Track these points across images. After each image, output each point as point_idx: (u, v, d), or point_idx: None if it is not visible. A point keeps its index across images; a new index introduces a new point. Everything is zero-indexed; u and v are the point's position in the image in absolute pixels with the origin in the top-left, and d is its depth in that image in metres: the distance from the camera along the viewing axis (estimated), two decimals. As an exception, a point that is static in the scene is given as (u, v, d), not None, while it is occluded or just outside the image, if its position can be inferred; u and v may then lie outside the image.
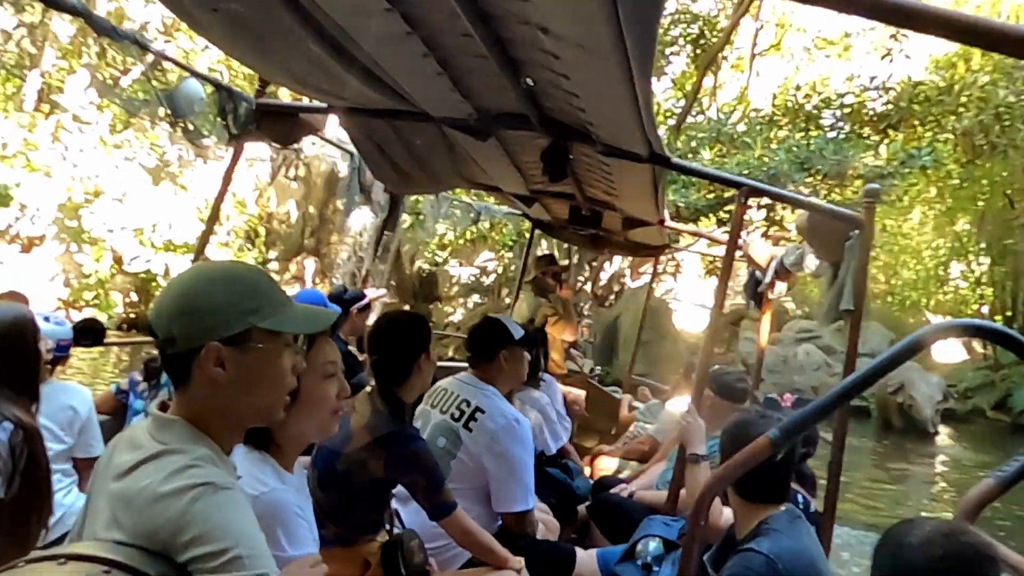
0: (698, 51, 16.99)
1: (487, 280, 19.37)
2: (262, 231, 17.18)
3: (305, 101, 3.45)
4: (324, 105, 3.15)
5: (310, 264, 17.25)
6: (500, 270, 18.87)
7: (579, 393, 5.32)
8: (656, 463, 4.24)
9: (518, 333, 2.98)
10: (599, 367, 12.50)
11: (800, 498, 2.78)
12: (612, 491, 3.92)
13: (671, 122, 16.22)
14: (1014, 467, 1.48)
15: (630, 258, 15.48)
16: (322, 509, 1.94)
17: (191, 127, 2.92)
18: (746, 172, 10.52)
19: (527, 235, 6.37)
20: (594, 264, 17.67)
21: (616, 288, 18.98)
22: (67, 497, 2.62)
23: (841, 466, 2.61)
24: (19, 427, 1.81)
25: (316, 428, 1.72)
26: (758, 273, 4.28)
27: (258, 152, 14.84)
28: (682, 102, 17.43)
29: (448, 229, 16.99)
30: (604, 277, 18.84)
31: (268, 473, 1.64)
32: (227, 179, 3.26)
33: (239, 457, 1.62)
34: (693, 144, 13.26)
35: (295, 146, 3.57)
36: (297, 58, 2.37)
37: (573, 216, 4.78)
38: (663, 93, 18.40)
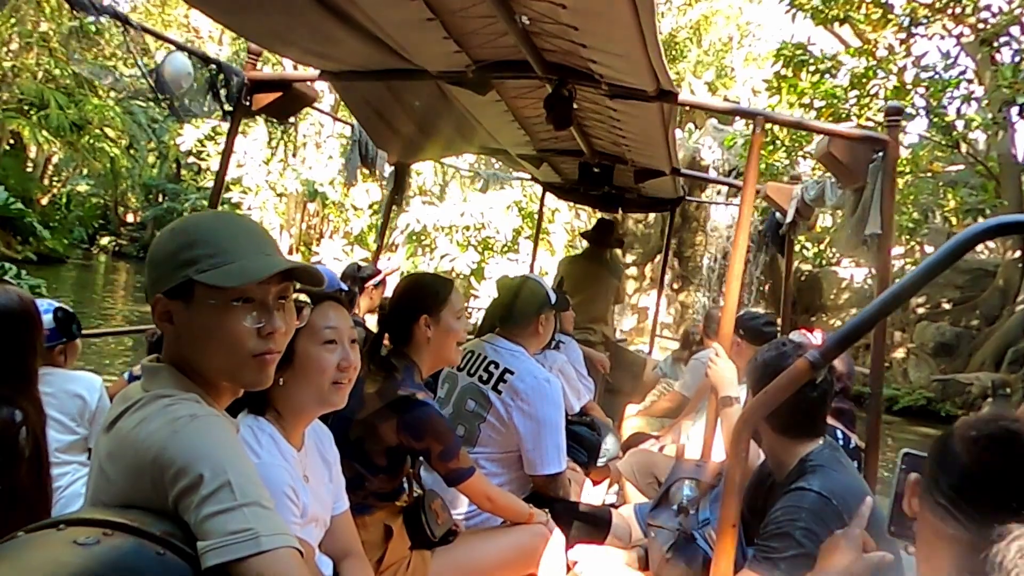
0: None
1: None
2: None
3: (296, 72, 3.35)
4: (316, 72, 3.06)
5: (666, 265, 15.65)
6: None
7: (601, 355, 5.24)
8: (685, 417, 4.17)
9: (553, 297, 2.91)
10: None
11: (839, 433, 2.69)
12: (643, 446, 3.86)
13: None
14: None
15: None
16: None
17: (180, 104, 2.83)
18: None
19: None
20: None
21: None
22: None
23: (881, 397, 2.51)
24: None
25: (315, 398, 1.63)
26: (778, 215, 4.15)
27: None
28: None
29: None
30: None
31: (265, 443, 1.56)
32: (227, 155, 3.19)
33: (241, 428, 1.56)
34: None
35: (291, 120, 3.47)
36: (280, 14, 2.28)
37: (583, 174, 4.65)
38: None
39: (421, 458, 2.28)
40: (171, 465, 1.02)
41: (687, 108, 2.98)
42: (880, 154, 2.63)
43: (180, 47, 2.81)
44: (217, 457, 1.03)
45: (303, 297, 1.52)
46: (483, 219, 14.11)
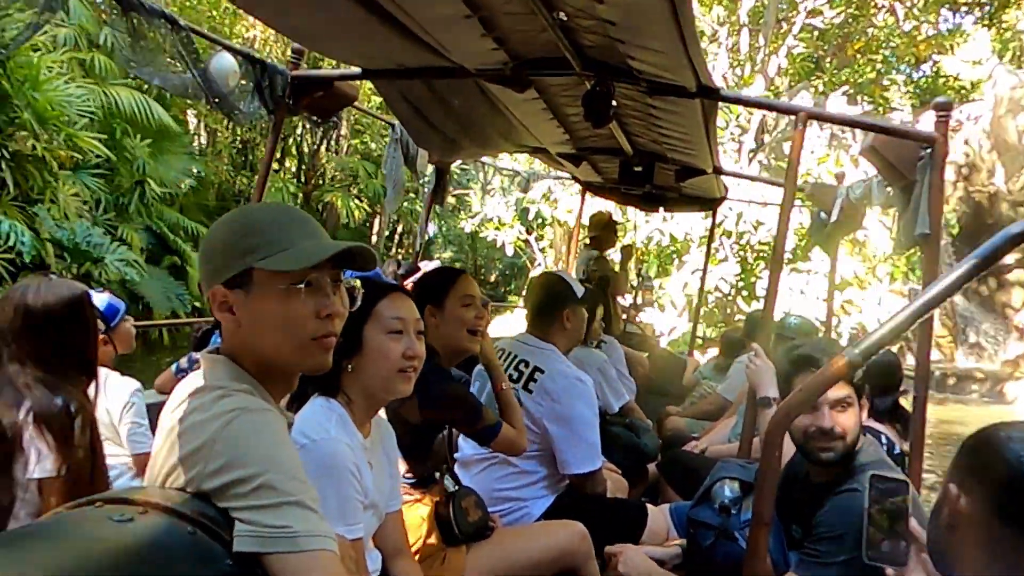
0: None
1: None
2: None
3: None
4: (359, 71, 3.09)
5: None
6: None
7: (642, 355, 5.20)
8: (727, 419, 4.11)
9: (580, 291, 2.91)
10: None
11: (884, 439, 2.63)
12: (683, 448, 3.82)
13: None
14: None
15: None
16: None
17: (228, 103, 2.90)
18: None
19: None
20: None
21: None
22: None
23: (926, 401, 2.44)
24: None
25: (382, 385, 1.71)
26: (823, 213, 4.07)
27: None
28: None
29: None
30: None
31: (334, 422, 1.62)
32: (270, 154, 3.26)
33: (313, 405, 1.66)
34: None
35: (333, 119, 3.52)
36: (322, 13, 2.31)
37: (624, 173, 4.63)
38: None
39: (452, 429, 2.36)
40: (217, 458, 1.04)
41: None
42: (928, 151, 2.55)
43: (226, 46, 2.88)
44: (264, 453, 1.05)
45: (357, 283, 1.58)
46: (745, 223, 9.71)
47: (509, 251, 13.54)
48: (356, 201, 18.22)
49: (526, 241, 14.30)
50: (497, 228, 13.52)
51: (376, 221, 21.79)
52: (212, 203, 15.74)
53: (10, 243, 8.82)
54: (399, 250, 22.12)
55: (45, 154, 9.49)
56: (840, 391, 1.88)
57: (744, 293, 8.90)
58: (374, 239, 21.67)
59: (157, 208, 12.62)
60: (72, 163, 10.65)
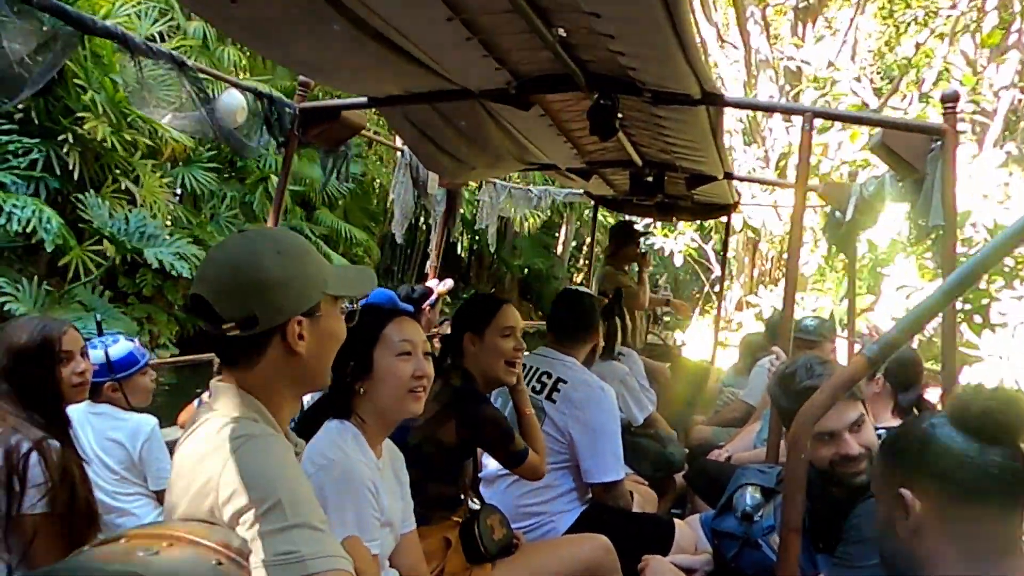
0: None
1: None
2: None
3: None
4: (364, 99, 3.13)
5: None
6: None
7: (663, 365, 5.17)
8: (751, 425, 4.06)
9: (600, 308, 2.95)
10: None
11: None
12: (708, 457, 3.78)
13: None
14: None
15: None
16: None
17: (237, 139, 2.95)
18: None
19: None
20: None
21: None
22: None
23: (954, 395, 2.39)
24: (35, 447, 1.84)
25: (394, 406, 1.76)
26: (838, 213, 4.03)
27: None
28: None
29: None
30: None
31: (349, 442, 1.67)
32: (282, 187, 3.30)
33: (327, 428, 1.71)
34: None
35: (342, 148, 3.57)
36: (322, 43, 2.35)
37: (634, 184, 4.64)
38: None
39: (481, 450, 2.39)
40: (225, 487, 1.06)
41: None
42: (938, 143, 2.54)
43: (233, 83, 2.93)
44: (268, 478, 1.07)
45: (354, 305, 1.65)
46: (974, 227, 6.60)
47: (678, 260, 11.62)
48: (530, 210, 18.38)
49: (698, 249, 11.64)
50: (665, 234, 11.23)
51: (562, 231, 21.27)
52: (374, 207, 15.33)
53: (29, 229, 8.26)
54: (586, 262, 22.11)
55: (111, 139, 9.10)
56: (853, 412, 1.84)
57: (976, 319, 6.47)
58: (559, 249, 21.41)
59: (315, 212, 12.39)
60: (184, 155, 10.48)
